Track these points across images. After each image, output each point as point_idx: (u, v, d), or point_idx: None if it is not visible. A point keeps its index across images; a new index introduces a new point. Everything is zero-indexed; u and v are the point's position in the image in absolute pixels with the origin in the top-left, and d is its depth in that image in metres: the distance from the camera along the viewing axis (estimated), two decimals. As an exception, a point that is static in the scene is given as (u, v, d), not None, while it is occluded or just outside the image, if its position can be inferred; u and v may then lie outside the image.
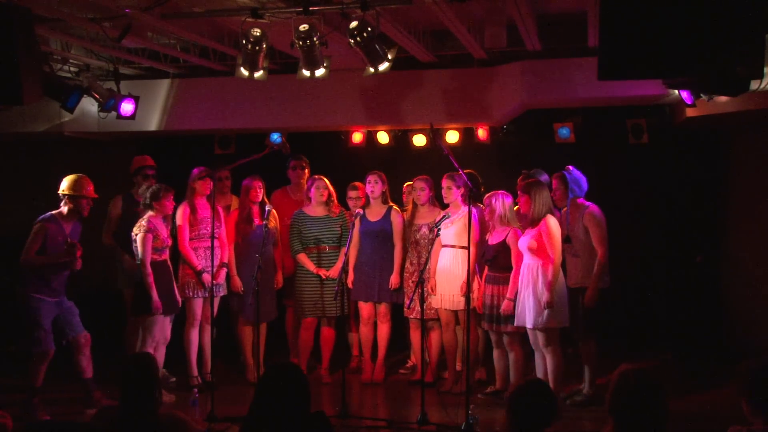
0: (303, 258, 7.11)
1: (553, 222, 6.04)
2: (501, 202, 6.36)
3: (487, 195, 6.49)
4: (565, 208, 6.41)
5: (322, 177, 7.19)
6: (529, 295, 6.04)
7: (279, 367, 3.40)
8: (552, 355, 6.04)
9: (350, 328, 7.51)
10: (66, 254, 6.12)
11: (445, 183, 6.71)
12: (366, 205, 7.11)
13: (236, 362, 7.44)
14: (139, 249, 6.31)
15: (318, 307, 7.09)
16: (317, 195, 7.06)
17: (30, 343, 6.09)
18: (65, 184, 6.23)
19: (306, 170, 7.62)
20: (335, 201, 7.19)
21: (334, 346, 7.20)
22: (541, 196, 6.10)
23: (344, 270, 6.72)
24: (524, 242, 6.12)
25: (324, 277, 7.03)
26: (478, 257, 6.52)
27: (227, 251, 7.01)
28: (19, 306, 6.13)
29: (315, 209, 7.14)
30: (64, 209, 6.22)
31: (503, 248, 6.32)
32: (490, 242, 6.41)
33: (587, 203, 6.36)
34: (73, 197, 6.20)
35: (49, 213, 6.21)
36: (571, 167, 6.45)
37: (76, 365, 6.26)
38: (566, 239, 6.23)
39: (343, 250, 7.02)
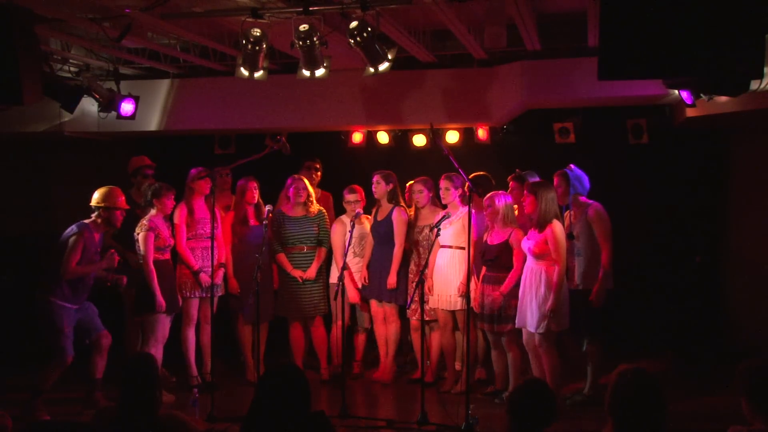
0: (282, 259, 7.10)
1: (558, 229, 5.99)
2: (503, 203, 6.35)
3: (487, 196, 6.47)
4: (568, 210, 6.40)
5: (301, 177, 7.20)
6: (531, 299, 6.02)
7: (279, 367, 3.40)
8: (547, 355, 6.03)
9: (355, 329, 7.48)
10: (106, 263, 6.24)
11: (443, 184, 6.70)
12: (378, 204, 7.13)
13: (236, 362, 7.44)
14: (141, 248, 6.34)
15: (302, 307, 7.08)
16: (296, 195, 7.05)
17: (51, 350, 6.07)
18: (98, 197, 6.25)
19: (319, 173, 7.66)
20: (314, 201, 7.18)
21: (329, 345, 7.20)
22: (548, 197, 6.02)
23: (345, 269, 6.72)
24: (527, 245, 6.09)
25: (300, 279, 7.02)
26: (476, 257, 6.51)
27: (224, 252, 7.01)
28: (38, 312, 6.11)
29: (294, 209, 7.13)
30: (97, 220, 6.25)
31: (505, 248, 6.30)
32: (490, 242, 6.40)
33: (590, 201, 6.35)
34: (107, 209, 6.23)
35: (82, 223, 6.22)
36: (573, 165, 6.45)
37: (91, 364, 6.27)
38: (569, 236, 6.21)
39: (321, 250, 7.05)
